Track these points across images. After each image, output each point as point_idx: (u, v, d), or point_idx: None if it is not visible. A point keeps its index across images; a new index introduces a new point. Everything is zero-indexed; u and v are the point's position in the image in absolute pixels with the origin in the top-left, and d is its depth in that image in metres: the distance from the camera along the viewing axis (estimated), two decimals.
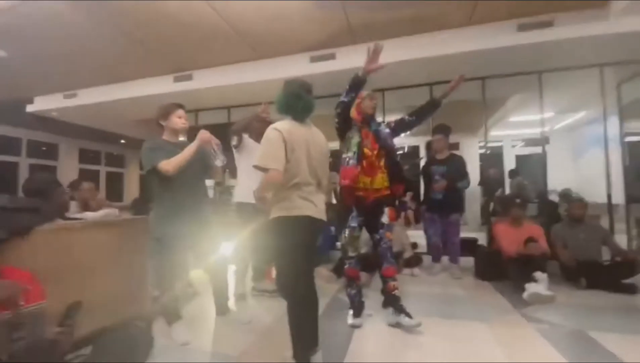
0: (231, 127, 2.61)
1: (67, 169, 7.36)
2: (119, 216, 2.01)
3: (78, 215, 2.08)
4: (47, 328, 1.44)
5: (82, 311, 1.70)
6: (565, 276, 3.13)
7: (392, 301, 2.17)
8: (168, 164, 1.86)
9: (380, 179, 2.25)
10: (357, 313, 2.20)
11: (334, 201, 5.17)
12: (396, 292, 2.18)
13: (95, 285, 1.81)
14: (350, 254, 2.28)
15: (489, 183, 5.42)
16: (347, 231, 2.26)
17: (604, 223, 3.82)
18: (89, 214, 1.97)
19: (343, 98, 2.07)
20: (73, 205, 2.78)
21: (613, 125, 3.94)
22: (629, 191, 3.88)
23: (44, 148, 7.30)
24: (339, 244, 4.04)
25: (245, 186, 2.60)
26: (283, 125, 1.57)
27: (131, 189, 9.13)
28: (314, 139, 1.66)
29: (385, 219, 2.26)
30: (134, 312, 2.01)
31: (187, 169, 1.92)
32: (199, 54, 3.94)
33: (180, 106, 2.07)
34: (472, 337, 1.97)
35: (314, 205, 1.58)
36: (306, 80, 1.73)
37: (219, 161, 2.00)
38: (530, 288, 2.57)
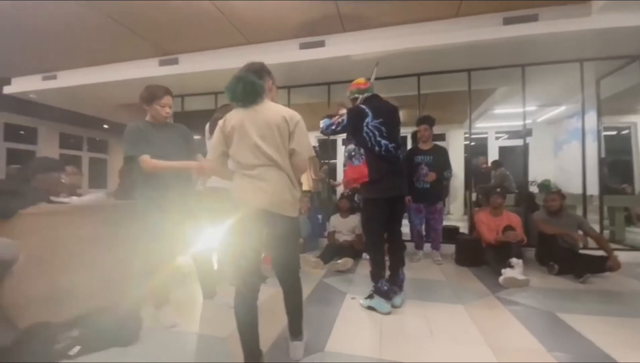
0: (215, 114, 2.57)
1: (47, 154, 7.13)
2: (106, 200, 1.99)
3: (65, 199, 2.05)
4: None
5: (68, 294, 1.72)
6: (539, 262, 3.30)
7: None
8: (149, 163, 1.83)
9: None
10: None
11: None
12: None
13: (82, 268, 1.82)
14: None
15: (477, 175, 5.59)
16: None
17: (579, 213, 4.02)
18: (75, 199, 1.95)
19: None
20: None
21: (591, 119, 4.09)
22: (602, 183, 4.06)
23: (22, 132, 7.04)
24: (325, 232, 4.12)
25: None
26: (226, 115, 1.55)
27: (115, 176, 8.90)
28: (257, 117, 1.47)
29: None
30: (121, 296, 2.03)
31: (171, 154, 1.91)
32: (186, 37, 3.85)
33: (167, 92, 1.99)
34: (450, 317, 2.09)
35: (263, 191, 1.44)
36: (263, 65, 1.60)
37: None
38: (506, 273, 2.71)
